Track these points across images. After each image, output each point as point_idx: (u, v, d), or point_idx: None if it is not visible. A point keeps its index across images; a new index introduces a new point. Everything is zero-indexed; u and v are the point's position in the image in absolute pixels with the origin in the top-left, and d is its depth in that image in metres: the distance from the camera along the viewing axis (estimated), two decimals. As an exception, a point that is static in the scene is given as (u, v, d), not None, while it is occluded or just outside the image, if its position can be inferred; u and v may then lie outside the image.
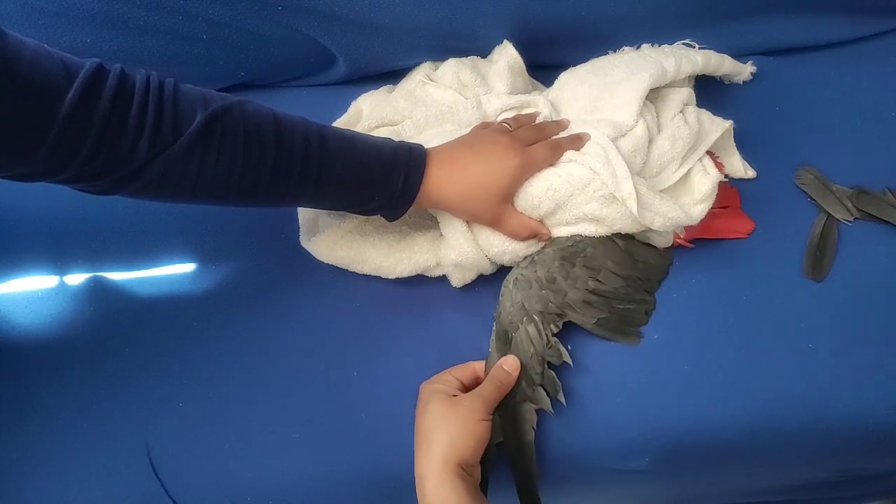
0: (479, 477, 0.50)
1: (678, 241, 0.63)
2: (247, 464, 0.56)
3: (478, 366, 0.57)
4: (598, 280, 0.59)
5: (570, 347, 0.59)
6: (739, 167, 0.68)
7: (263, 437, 0.57)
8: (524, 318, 0.57)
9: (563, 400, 0.56)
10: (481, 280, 0.62)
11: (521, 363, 0.55)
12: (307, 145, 0.50)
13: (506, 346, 0.57)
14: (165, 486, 0.55)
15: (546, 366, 0.56)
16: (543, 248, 0.60)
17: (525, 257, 0.60)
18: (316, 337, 0.61)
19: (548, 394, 0.56)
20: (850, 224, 0.66)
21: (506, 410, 0.54)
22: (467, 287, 0.62)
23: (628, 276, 0.60)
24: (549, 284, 0.58)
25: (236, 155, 0.47)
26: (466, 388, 0.55)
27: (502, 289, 0.59)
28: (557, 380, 0.56)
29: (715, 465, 0.62)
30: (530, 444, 0.54)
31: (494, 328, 0.58)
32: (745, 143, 0.68)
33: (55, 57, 0.41)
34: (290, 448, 0.56)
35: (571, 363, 0.57)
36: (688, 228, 0.62)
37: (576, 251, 0.59)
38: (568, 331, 0.59)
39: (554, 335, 0.57)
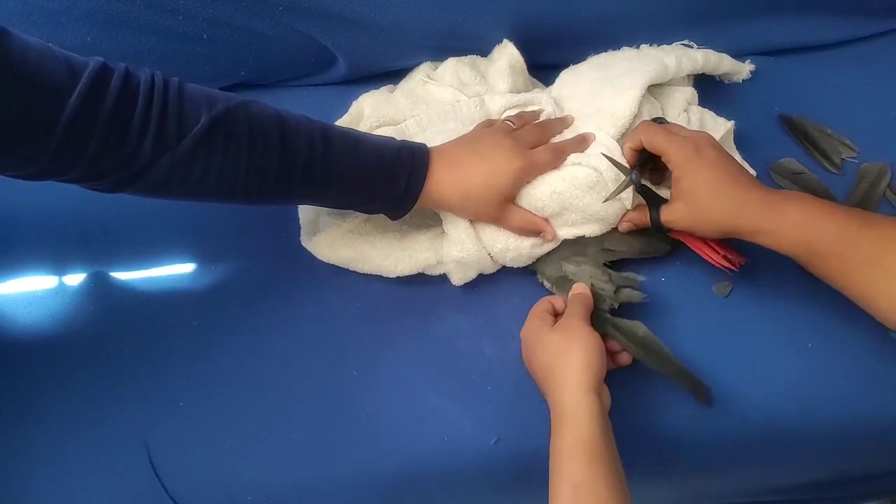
0: (609, 402, 0.51)
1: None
2: (247, 464, 0.56)
3: (547, 298, 0.59)
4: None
5: None
6: (739, 167, 0.68)
7: (263, 437, 0.57)
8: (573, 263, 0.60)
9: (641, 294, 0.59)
10: (482, 279, 0.62)
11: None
12: (311, 146, 0.49)
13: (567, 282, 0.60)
14: (165, 486, 0.54)
15: (610, 278, 0.59)
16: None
17: None
18: (316, 336, 0.61)
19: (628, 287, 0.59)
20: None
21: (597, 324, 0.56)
22: (468, 286, 0.62)
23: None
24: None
25: (241, 157, 0.47)
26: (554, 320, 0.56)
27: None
28: (626, 275, 0.60)
29: (715, 465, 0.62)
30: (648, 335, 0.56)
31: (545, 283, 0.62)
32: (745, 143, 0.68)
33: (59, 57, 0.40)
34: (290, 448, 0.56)
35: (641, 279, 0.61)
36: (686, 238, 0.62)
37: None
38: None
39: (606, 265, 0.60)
